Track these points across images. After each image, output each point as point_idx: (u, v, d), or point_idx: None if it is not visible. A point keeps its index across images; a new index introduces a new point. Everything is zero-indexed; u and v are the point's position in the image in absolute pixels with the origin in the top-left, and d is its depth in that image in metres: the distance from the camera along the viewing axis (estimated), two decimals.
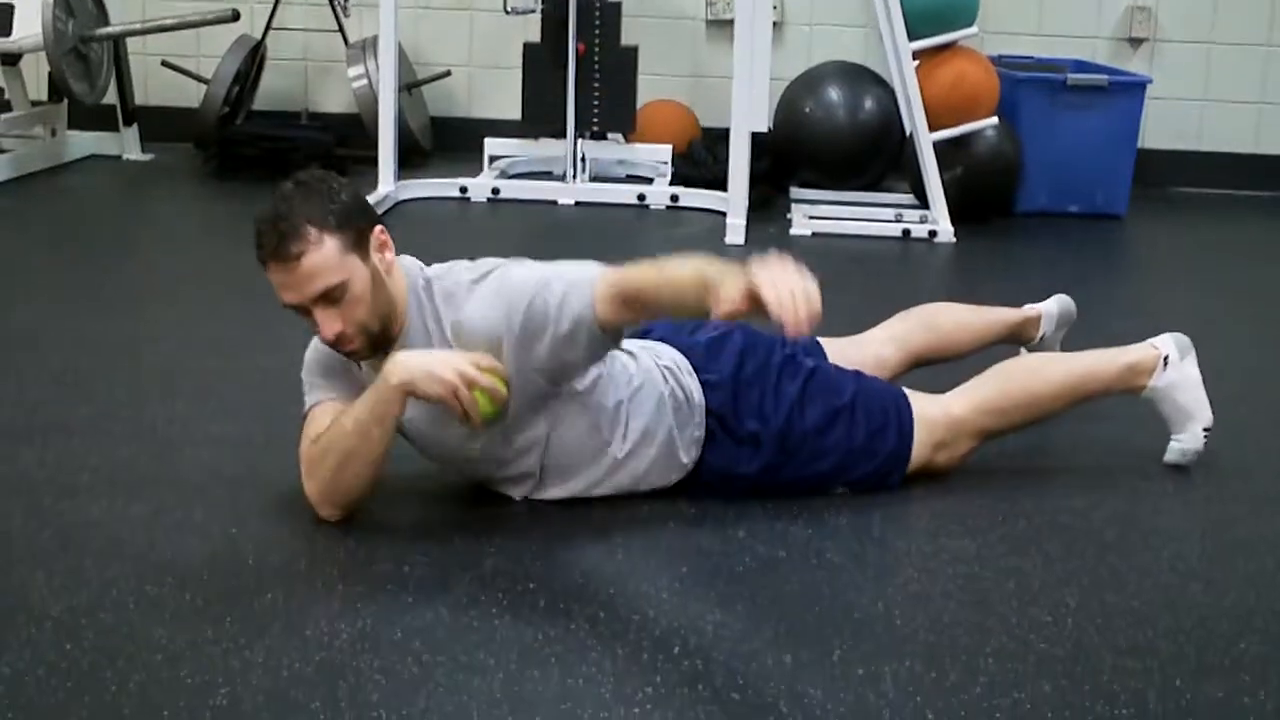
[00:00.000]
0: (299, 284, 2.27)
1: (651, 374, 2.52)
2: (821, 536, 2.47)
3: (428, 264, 2.47)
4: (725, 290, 2.04)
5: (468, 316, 2.34)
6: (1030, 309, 3.15)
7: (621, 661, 2.02)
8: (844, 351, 2.83)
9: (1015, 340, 3.12)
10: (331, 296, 2.27)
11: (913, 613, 2.20)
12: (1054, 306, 3.16)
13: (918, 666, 2.03)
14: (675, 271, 2.21)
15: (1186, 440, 2.79)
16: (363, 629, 2.09)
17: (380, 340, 2.35)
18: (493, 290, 2.34)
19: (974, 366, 2.82)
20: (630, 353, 2.53)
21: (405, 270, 2.41)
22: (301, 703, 1.88)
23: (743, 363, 2.58)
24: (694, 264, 2.17)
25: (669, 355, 2.58)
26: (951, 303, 3.14)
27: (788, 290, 2.00)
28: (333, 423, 2.35)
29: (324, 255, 2.25)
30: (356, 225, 2.30)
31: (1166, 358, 2.75)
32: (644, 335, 2.66)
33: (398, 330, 2.37)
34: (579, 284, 2.29)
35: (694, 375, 2.55)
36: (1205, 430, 2.78)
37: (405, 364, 2.28)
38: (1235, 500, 2.71)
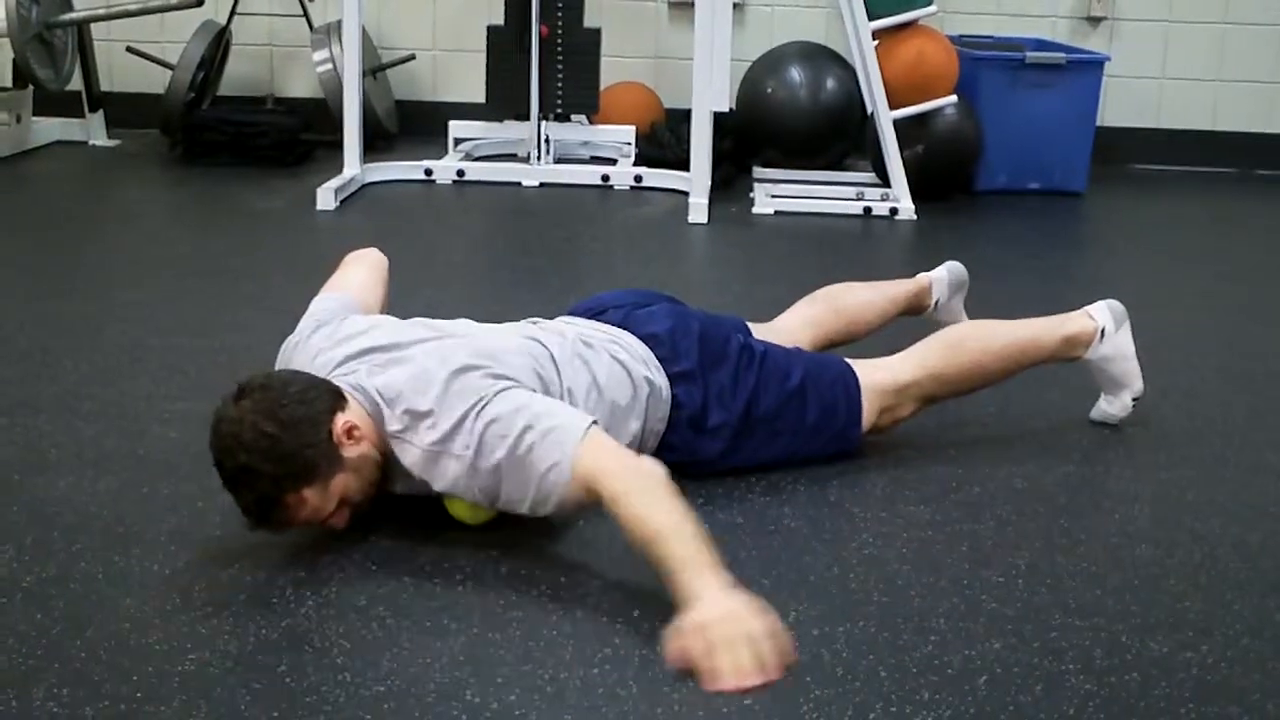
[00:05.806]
0: (304, 526, 2.24)
1: (637, 398, 2.49)
2: (779, 504, 2.51)
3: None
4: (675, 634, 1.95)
5: (449, 488, 2.26)
6: (921, 277, 3.19)
7: (581, 624, 2.06)
8: (763, 337, 2.79)
9: (913, 311, 3.15)
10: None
11: (866, 576, 2.24)
12: (944, 273, 3.21)
13: (871, 627, 2.07)
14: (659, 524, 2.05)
15: (1114, 405, 2.89)
16: (328, 596, 2.12)
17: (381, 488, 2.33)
18: (469, 466, 2.21)
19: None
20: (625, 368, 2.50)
21: (367, 414, 2.29)
22: (268, 667, 1.92)
23: (705, 350, 2.59)
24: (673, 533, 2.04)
25: (637, 351, 2.54)
26: (850, 282, 3.13)
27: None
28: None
29: (311, 504, 2.20)
30: (321, 455, 2.18)
31: (1103, 331, 2.81)
32: (599, 315, 2.65)
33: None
34: (557, 466, 2.14)
35: (661, 370, 2.54)
36: (1134, 399, 2.88)
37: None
38: (1184, 464, 2.76)
